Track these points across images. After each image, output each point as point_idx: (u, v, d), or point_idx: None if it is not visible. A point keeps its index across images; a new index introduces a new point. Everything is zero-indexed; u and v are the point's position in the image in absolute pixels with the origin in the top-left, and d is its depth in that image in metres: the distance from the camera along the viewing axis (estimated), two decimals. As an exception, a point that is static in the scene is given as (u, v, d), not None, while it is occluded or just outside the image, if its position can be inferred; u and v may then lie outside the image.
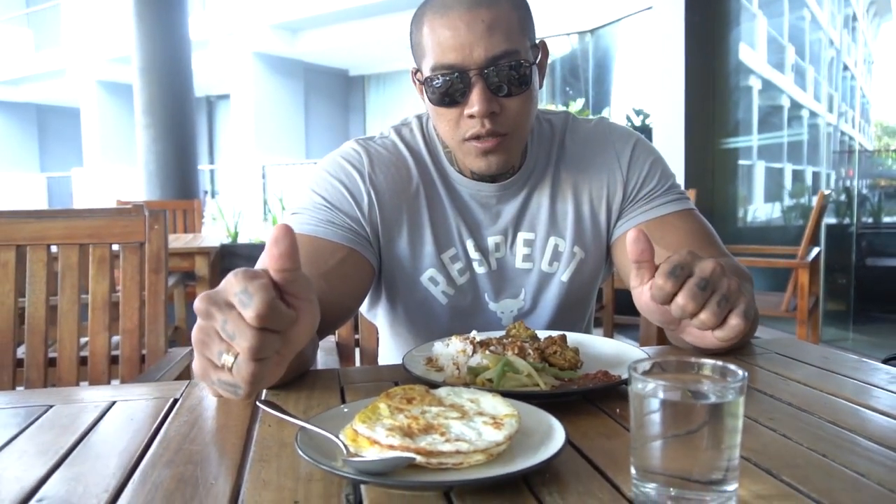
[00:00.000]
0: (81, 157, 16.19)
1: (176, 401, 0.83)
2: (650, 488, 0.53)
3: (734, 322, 0.78)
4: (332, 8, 12.84)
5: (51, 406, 0.82)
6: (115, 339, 1.59)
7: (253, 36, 13.78)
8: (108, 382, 1.56)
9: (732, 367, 0.55)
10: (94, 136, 15.93)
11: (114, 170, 14.85)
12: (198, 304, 0.62)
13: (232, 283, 0.61)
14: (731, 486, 0.52)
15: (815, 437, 0.67)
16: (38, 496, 0.57)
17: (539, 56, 1.08)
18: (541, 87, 1.13)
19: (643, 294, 0.81)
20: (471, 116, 1.02)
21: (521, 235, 1.19)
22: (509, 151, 1.08)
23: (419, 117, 1.23)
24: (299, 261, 0.62)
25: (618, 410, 0.76)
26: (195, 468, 0.63)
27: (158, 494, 0.57)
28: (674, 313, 0.77)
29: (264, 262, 0.63)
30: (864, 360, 0.96)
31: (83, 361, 1.59)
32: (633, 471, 0.55)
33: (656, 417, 0.52)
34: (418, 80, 1.08)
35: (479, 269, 1.18)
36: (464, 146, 1.07)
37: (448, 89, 1.02)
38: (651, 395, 0.52)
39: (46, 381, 1.55)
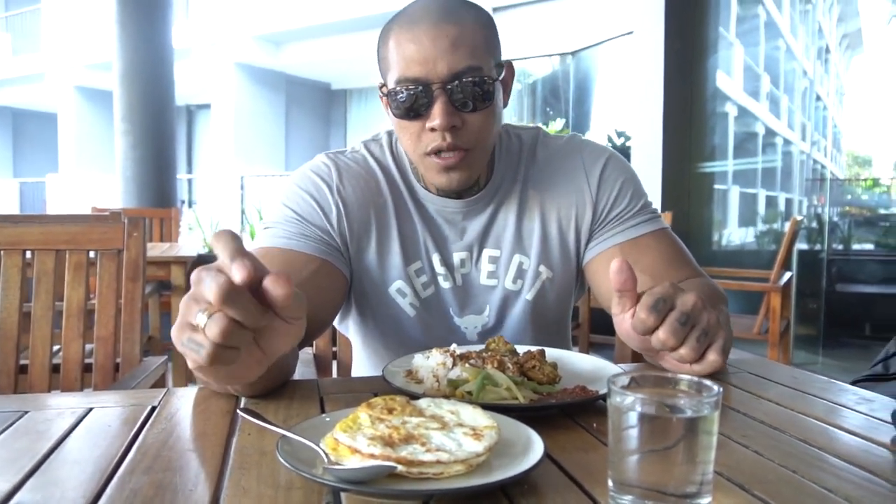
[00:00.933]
0: (57, 163, 15.98)
1: (154, 408, 0.83)
2: (626, 500, 0.54)
3: (712, 358, 0.80)
4: (315, 21, 12.89)
5: (25, 412, 0.81)
6: (89, 346, 1.57)
7: (236, 46, 13.77)
8: (81, 390, 1.54)
9: (708, 382, 0.56)
10: (70, 142, 15.75)
11: (89, 176, 14.67)
12: (193, 273, 0.62)
13: (224, 256, 0.62)
14: (705, 500, 0.53)
15: (785, 454, 0.69)
16: (13, 501, 0.57)
17: (504, 74, 1.10)
18: (505, 105, 1.15)
19: (624, 321, 0.82)
20: (432, 129, 1.03)
21: (487, 252, 1.19)
22: (471, 167, 1.09)
23: (389, 133, 1.24)
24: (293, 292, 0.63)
25: (595, 425, 0.77)
26: (174, 475, 0.63)
27: (137, 500, 0.57)
28: (654, 346, 0.79)
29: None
30: (833, 381, 0.98)
31: (55, 369, 1.56)
32: (609, 483, 0.56)
33: (634, 431, 0.53)
34: (384, 94, 1.10)
35: (444, 284, 1.18)
36: (426, 161, 1.08)
37: (412, 103, 1.03)
38: (630, 408, 0.53)
39: (17, 388, 1.52)
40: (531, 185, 1.20)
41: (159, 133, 5.52)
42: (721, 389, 0.54)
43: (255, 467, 0.64)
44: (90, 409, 0.82)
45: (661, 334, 0.78)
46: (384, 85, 1.09)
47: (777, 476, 0.64)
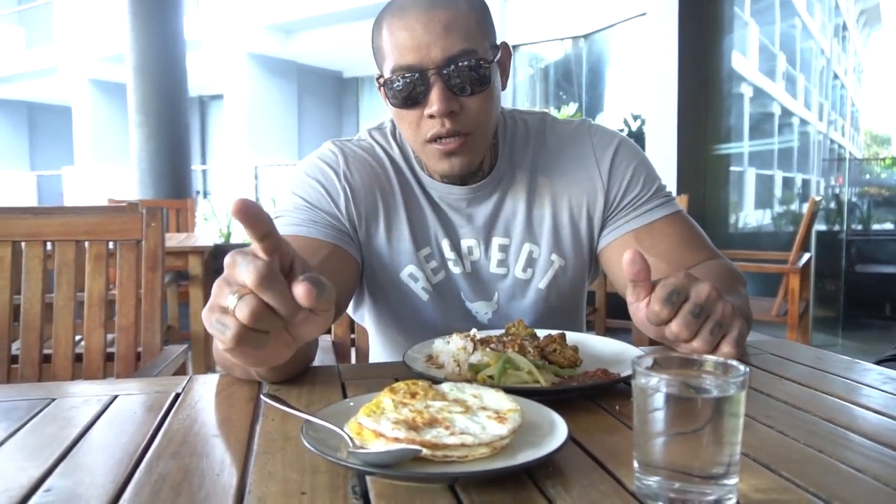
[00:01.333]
0: (72, 156, 16.11)
1: (178, 395, 0.83)
2: (653, 481, 0.54)
3: (726, 350, 0.79)
4: (326, 10, 12.85)
5: (52, 399, 0.82)
6: (110, 336, 1.59)
7: (247, 36, 13.77)
8: (104, 379, 1.56)
9: (734, 363, 0.56)
10: (85, 135, 15.86)
11: (105, 169, 14.78)
12: (228, 256, 0.62)
13: (253, 238, 0.62)
14: (732, 481, 0.53)
15: (810, 434, 0.68)
16: (45, 486, 0.58)
17: (500, 55, 1.09)
18: (504, 88, 1.14)
19: (639, 311, 0.82)
20: (431, 116, 1.03)
21: (497, 240, 1.19)
22: (472, 152, 1.08)
23: (393, 121, 1.24)
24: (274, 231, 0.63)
25: (617, 407, 0.77)
26: (200, 460, 0.63)
27: (165, 485, 0.58)
28: (668, 337, 0.79)
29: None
30: (856, 360, 0.98)
31: (78, 358, 1.58)
32: (635, 464, 0.56)
33: (660, 412, 0.53)
34: (380, 84, 1.09)
35: (455, 269, 1.18)
36: (426, 148, 1.07)
37: (409, 91, 1.03)
38: (655, 389, 0.53)
39: (41, 377, 1.54)
40: (540, 172, 1.19)
41: (174, 124, 5.54)
42: (748, 369, 0.54)
43: (280, 452, 0.65)
44: (115, 397, 0.83)
45: (675, 327, 0.78)
46: (381, 76, 1.09)
47: (803, 456, 0.63)
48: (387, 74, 1.05)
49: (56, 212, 1.67)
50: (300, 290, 0.60)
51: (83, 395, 0.84)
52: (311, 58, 14.77)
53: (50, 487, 0.58)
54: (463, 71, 1.01)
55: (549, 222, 1.18)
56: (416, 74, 1.01)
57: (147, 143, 5.46)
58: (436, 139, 1.05)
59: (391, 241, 1.17)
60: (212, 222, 8.27)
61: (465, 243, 1.18)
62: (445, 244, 1.18)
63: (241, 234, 8.13)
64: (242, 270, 0.60)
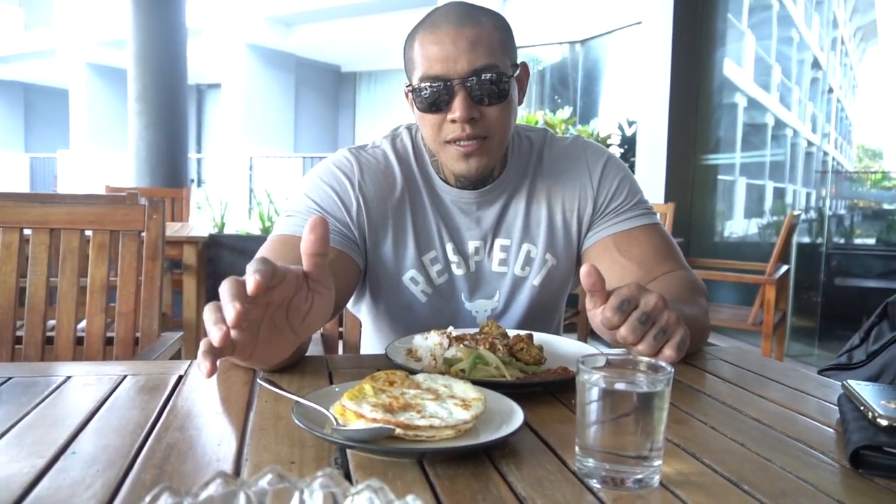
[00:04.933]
0: (68, 139, 16.10)
1: (181, 377, 0.93)
2: (590, 462, 0.64)
3: (668, 353, 0.89)
4: (326, 4, 12.90)
5: (69, 377, 0.91)
6: (109, 321, 1.68)
7: (247, 27, 13.80)
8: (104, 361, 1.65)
9: (663, 364, 0.65)
10: (81, 119, 15.85)
11: (100, 153, 14.79)
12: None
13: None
14: (657, 462, 0.63)
15: (737, 430, 0.78)
16: (70, 449, 0.67)
17: (519, 73, 1.20)
18: (521, 103, 1.24)
19: (595, 316, 0.92)
20: (453, 121, 1.14)
21: (499, 241, 1.29)
22: (489, 155, 1.19)
23: (409, 128, 1.33)
24: (328, 249, 0.76)
25: (573, 401, 0.85)
26: (203, 433, 0.73)
27: (174, 452, 0.67)
28: (618, 340, 0.89)
29: (263, 254, 0.73)
30: (796, 368, 1.08)
31: (79, 341, 1.67)
32: (577, 448, 0.65)
33: (596, 403, 0.62)
34: (409, 91, 1.19)
35: (457, 271, 1.28)
36: (446, 148, 1.18)
37: (434, 98, 1.13)
38: (593, 384, 0.63)
39: (43, 358, 1.63)
40: (539, 180, 1.31)
41: (172, 114, 5.61)
42: (672, 369, 0.64)
43: (273, 429, 0.74)
44: (125, 377, 0.92)
45: (623, 331, 0.87)
46: (409, 84, 1.19)
47: (726, 447, 0.73)
48: (415, 83, 1.15)
49: (63, 200, 1.75)
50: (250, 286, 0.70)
51: (96, 374, 0.93)
52: (309, 51, 14.83)
53: (75, 451, 0.67)
54: (484, 83, 1.12)
55: (546, 223, 1.30)
56: (442, 83, 1.12)
57: (145, 131, 5.53)
58: (455, 141, 1.15)
59: (396, 248, 1.26)
60: (205, 211, 8.32)
61: (472, 244, 1.29)
62: (450, 247, 1.27)
63: (234, 224, 8.20)
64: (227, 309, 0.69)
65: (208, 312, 0.69)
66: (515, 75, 1.18)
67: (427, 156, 1.29)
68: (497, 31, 1.15)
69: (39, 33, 16.99)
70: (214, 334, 0.67)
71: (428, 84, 1.13)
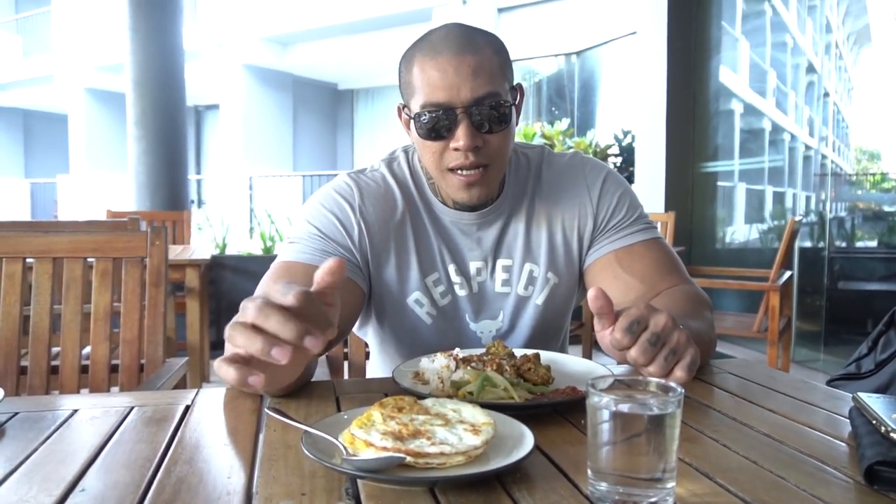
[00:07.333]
0: (67, 164, 16.16)
1: (188, 407, 0.92)
2: (602, 486, 0.63)
3: (678, 374, 0.88)
4: (322, 23, 12.99)
5: (75, 410, 0.91)
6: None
7: (243, 48, 13.89)
8: (108, 390, 1.64)
9: (673, 384, 0.65)
10: (80, 143, 15.92)
11: (99, 177, 14.83)
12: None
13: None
14: (670, 484, 0.63)
15: (749, 447, 0.78)
16: (80, 486, 0.67)
17: (518, 97, 1.20)
18: (517, 124, 1.25)
19: (605, 338, 0.92)
20: (456, 149, 1.14)
21: (500, 262, 1.29)
22: (490, 184, 1.19)
23: (405, 151, 1.34)
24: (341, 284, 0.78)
25: (582, 422, 0.85)
26: (212, 465, 0.72)
27: (183, 486, 0.67)
28: (628, 362, 0.88)
29: (263, 289, 0.73)
30: (805, 381, 1.07)
31: (83, 369, 1.67)
32: (589, 471, 0.65)
33: (607, 425, 0.62)
34: (406, 115, 1.19)
35: (461, 292, 1.28)
36: (448, 177, 1.18)
37: (435, 125, 1.13)
38: (604, 406, 0.63)
39: (49, 388, 1.63)
40: (538, 199, 1.31)
41: (171, 137, 5.63)
42: (683, 391, 0.63)
43: (283, 459, 0.74)
44: (132, 408, 0.92)
45: (633, 353, 0.87)
46: (406, 106, 1.19)
47: (739, 466, 0.73)
48: (416, 108, 1.15)
49: (65, 229, 1.75)
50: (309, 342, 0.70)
51: (102, 407, 0.92)
52: (306, 70, 14.91)
53: (84, 487, 0.66)
54: (486, 110, 1.12)
55: (546, 242, 1.29)
56: (444, 111, 1.12)
57: (145, 155, 5.54)
58: (457, 170, 1.15)
59: (399, 272, 1.26)
60: (206, 231, 8.34)
61: (474, 265, 1.28)
62: (452, 269, 1.27)
63: (235, 245, 8.21)
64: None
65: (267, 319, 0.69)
66: (516, 102, 1.19)
67: (425, 178, 1.29)
68: (496, 55, 1.15)
69: (37, 60, 17.10)
70: (289, 329, 0.68)
71: (429, 111, 1.13)
